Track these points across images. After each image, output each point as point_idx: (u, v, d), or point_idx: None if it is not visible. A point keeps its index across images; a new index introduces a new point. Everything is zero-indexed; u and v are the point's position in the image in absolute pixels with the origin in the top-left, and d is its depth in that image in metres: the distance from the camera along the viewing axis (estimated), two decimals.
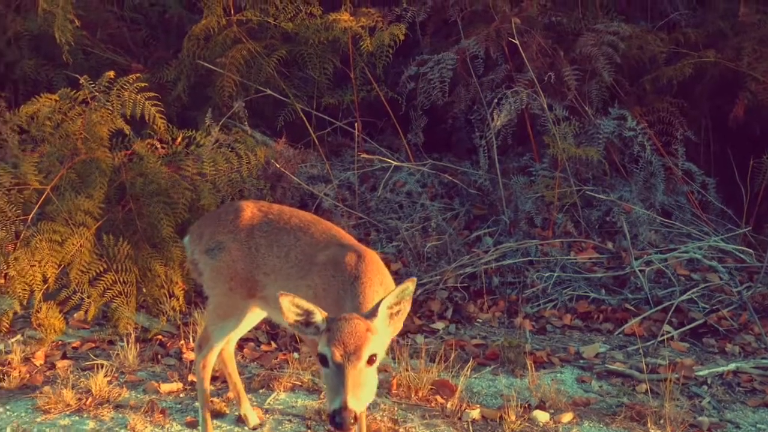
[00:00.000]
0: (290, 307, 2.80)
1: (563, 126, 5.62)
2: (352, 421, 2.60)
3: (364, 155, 6.08)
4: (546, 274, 5.29)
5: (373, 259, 3.24)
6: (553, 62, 6.03)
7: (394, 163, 5.97)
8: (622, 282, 5.35)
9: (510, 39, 5.87)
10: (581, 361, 4.57)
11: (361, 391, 2.67)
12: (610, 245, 5.57)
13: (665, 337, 4.82)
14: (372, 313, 2.81)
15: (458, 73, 6.15)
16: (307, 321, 2.82)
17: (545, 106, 5.65)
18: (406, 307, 2.86)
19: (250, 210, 3.66)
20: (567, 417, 3.82)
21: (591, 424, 3.82)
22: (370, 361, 2.72)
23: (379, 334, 2.79)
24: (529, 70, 5.74)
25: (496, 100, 5.79)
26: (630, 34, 6.04)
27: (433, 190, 6.21)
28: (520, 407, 3.84)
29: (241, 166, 5.34)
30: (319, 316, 2.80)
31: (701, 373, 4.37)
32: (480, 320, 5.15)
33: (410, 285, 2.81)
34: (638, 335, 4.82)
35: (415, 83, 6.12)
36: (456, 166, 6.39)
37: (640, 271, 5.22)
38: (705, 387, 4.28)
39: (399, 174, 6.13)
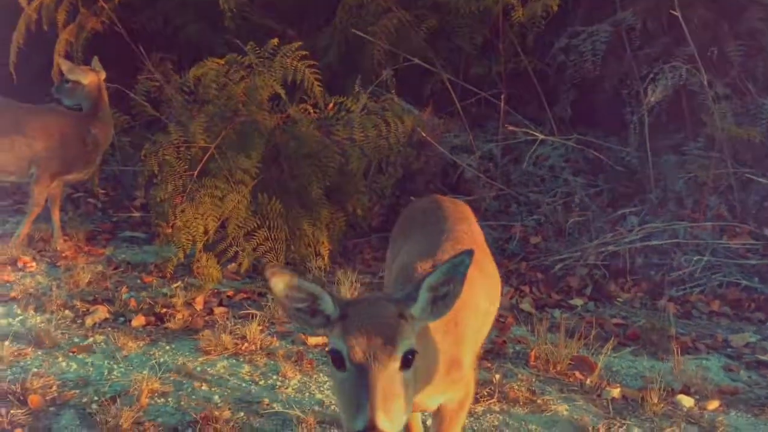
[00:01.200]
0: (286, 290, 2.07)
1: (723, 104, 5.37)
2: None
3: (509, 127, 6.06)
4: (695, 258, 5.11)
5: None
6: (716, 36, 5.75)
7: (541, 136, 5.91)
8: None
9: (671, 11, 5.64)
10: (729, 350, 4.42)
11: (394, 404, 1.89)
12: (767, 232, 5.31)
13: None
14: (408, 296, 2.09)
15: (612, 46, 5.99)
16: (312, 309, 2.09)
17: (705, 82, 5.41)
18: (457, 288, 2.09)
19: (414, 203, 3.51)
20: (713, 404, 3.72)
21: (738, 414, 3.70)
22: (406, 361, 1.96)
23: (417, 325, 2.09)
24: (690, 44, 5.50)
25: (651, 75, 5.59)
26: None
27: (577, 166, 6.12)
28: (663, 390, 3.77)
29: (388, 133, 5.47)
30: (328, 300, 2.06)
31: None
32: (620, 300, 5.07)
33: (465, 259, 2.06)
34: None
35: (565, 55, 6.02)
36: (602, 141, 6.25)
37: None
38: None
39: (543, 148, 6.07)
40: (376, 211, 5.74)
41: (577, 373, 4.02)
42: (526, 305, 4.94)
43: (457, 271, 2.07)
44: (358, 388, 1.89)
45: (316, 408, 3.60)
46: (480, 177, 5.93)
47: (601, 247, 5.32)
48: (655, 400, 3.69)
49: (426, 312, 2.10)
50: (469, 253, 2.06)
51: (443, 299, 2.10)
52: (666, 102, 5.64)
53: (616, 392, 3.82)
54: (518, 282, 5.25)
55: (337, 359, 1.99)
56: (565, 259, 5.33)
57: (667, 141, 5.96)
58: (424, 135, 5.83)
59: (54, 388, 3.66)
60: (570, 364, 4.08)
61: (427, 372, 2.27)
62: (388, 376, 1.91)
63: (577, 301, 5.02)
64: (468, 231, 2.99)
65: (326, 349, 2.02)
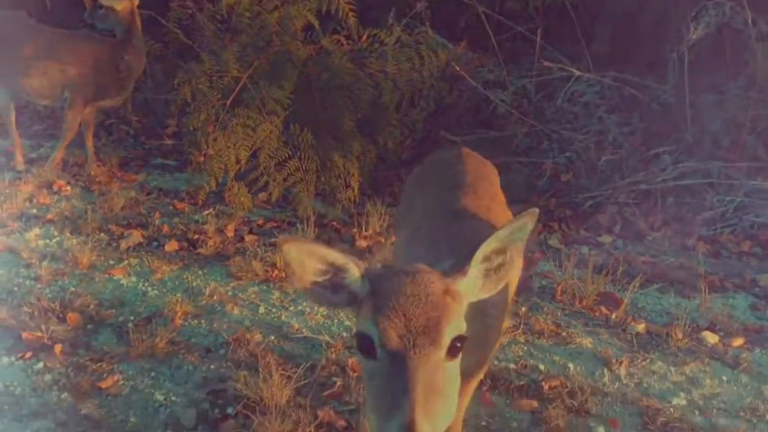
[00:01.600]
0: (302, 259, 1.69)
1: (766, 43, 5.21)
2: None
3: (545, 63, 5.95)
4: (727, 198, 5.05)
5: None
6: None
7: (576, 73, 5.81)
8: None
9: None
10: (756, 289, 4.41)
11: (438, 404, 1.53)
12: None
13: None
14: (457, 268, 1.72)
15: None
16: (334, 282, 1.73)
17: (749, 20, 5.24)
18: (516, 257, 1.75)
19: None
20: (738, 342, 3.75)
21: (763, 352, 3.72)
22: (453, 350, 1.60)
23: (465, 303, 1.71)
24: None
25: (693, 12, 5.43)
26: None
27: (612, 103, 6.02)
28: (688, 327, 3.80)
29: (422, 66, 5.42)
30: (355, 271, 1.70)
31: None
32: (650, 238, 5.05)
33: (528, 221, 1.71)
34: None
35: None
36: (639, 79, 6.12)
37: None
38: None
39: (578, 84, 5.97)
40: (407, 145, 5.73)
41: (603, 309, 4.05)
42: (554, 241, 4.95)
43: (516, 237, 1.72)
44: (393, 383, 1.53)
45: (344, 334, 3.69)
46: (512, 113, 5.86)
47: (633, 185, 5.28)
48: (680, 336, 3.73)
49: (476, 288, 1.75)
50: (533, 214, 1.70)
51: (496, 272, 1.75)
52: (707, 40, 5.49)
53: (640, 327, 3.85)
54: (547, 218, 5.25)
55: (365, 345, 1.61)
56: (595, 197, 5.31)
57: (706, 80, 5.81)
58: (458, 69, 5.75)
59: (91, 307, 3.79)
60: (596, 299, 4.11)
61: (466, 354, 1.74)
62: (431, 369, 1.54)
63: (606, 239, 5.02)
64: (489, 189, 2.76)
65: (354, 333, 1.67)
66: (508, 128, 5.84)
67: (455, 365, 1.62)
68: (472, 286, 1.73)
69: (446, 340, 1.58)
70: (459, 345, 1.61)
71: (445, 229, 2.41)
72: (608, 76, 5.99)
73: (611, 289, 4.21)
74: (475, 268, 1.72)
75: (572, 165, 5.57)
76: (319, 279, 1.72)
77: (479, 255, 1.72)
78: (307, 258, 1.69)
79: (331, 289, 1.73)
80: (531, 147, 5.87)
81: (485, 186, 2.75)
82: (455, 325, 1.61)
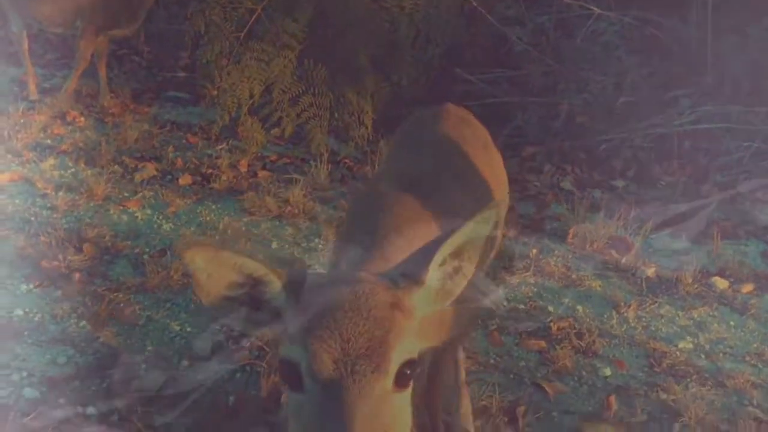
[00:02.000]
0: (211, 269, 1.32)
1: None
2: None
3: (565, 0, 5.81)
4: (745, 144, 4.99)
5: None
6: None
7: (597, 11, 5.67)
8: None
9: None
10: None
11: None
12: None
13: None
14: (410, 275, 1.38)
15: None
16: (254, 297, 1.37)
17: None
18: (473, 259, 1.42)
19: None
20: (747, 288, 3.77)
21: None
22: (402, 378, 1.29)
23: (418, 319, 1.38)
24: None
25: None
26: None
27: (632, 44, 5.89)
28: (699, 272, 3.82)
29: (439, 1, 5.31)
30: (276, 283, 1.35)
31: None
32: (663, 183, 5.03)
33: (491, 216, 1.38)
34: None
35: None
36: (662, 19, 5.97)
37: None
38: None
39: (598, 23, 5.84)
40: (422, 82, 5.65)
41: (614, 252, 4.07)
42: (566, 184, 4.94)
43: (476, 232, 1.38)
44: (325, 422, 1.21)
45: None
46: (530, 51, 5.76)
47: (650, 129, 5.22)
48: (690, 281, 3.75)
49: (430, 298, 1.40)
50: (494, 207, 1.39)
51: (451, 278, 1.42)
52: None
53: (650, 272, 3.88)
54: (561, 161, 5.23)
55: (290, 374, 1.28)
56: (610, 140, 5.25)
57: (729, 21, 5.67)
58: (475, 5, 5.64)
59: (107, 238, 3.83)
60: (607, 242, 4.12)
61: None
62: (374, 402, 1.23)
63: (619, 183, 5.00)
64: (470, 154, 2.39)
65: (278, 358, 1.35)
66: (524, 67, 5.74)
67: (405, 397, 1.30)
68: (426, 297, 1.39)
69: (393, 366, 1.27)
70: (409, 372, 1.29)
71: (402, 209, 1.94)
72: (630, 14, 5.84)
73: (623, 233, 4.21)
74: (435, 274, 1.38)
75: (588, 107, 5.49)
76: (233, 293, 1.36)
77: (439, 256, 1.37)
78: (217, 268, 1.32)
79: (253, 305, 1.37)
80: (547, 87, 5.78)
81: (464, 150, 2.37)
82: (405, 347, 1.29)
